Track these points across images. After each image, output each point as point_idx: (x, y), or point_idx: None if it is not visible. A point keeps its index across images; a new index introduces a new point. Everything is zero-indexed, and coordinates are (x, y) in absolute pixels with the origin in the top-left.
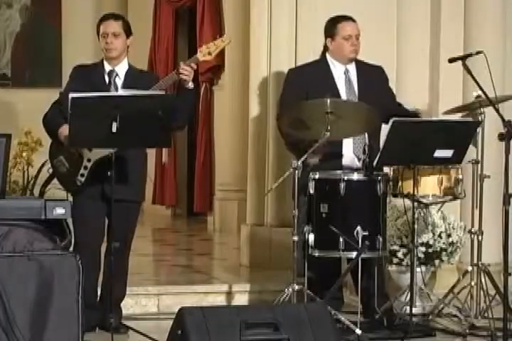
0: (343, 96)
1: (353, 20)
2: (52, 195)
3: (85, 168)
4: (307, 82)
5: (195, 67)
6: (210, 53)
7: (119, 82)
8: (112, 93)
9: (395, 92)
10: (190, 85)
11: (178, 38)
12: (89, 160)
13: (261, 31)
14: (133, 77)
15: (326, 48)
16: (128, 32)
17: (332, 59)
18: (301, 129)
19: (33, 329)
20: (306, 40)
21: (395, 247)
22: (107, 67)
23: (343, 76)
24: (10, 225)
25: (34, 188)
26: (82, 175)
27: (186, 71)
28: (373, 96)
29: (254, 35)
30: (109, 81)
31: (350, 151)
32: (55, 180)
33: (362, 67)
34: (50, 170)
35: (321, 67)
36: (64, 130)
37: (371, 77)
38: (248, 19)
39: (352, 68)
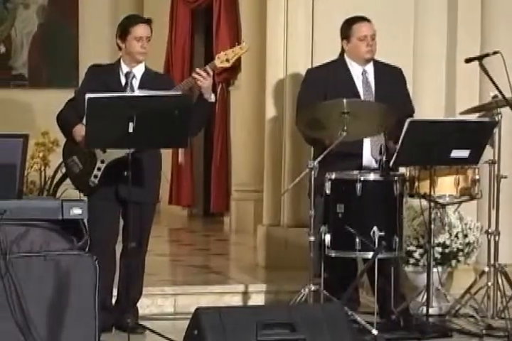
0: (362, 96)
1: (368, 21)
2: (69, 195)
3: (98, 169)
4: (326, 82)
5: (211, 72)
6: (228, 60)
7: (136, 83)
8: (129, 93)
9: (412, 93)
10: (212, 98)
11: (194, 38)
12: (102, 162)
13: (277, 31)
14: (149, 79)
15: (343, 50)
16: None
17: (350, 60)
18: (318, 129)
19: (49, 329)
20: (323, 40)
21: (412, 248)
22: (125, 69)
23: (361, 77)
24: (27, 225)
25: (51, 189)
26: (96, 177)
27: (201, 76)
28: (390, 97)
29: (271, 35)
30: (126, 82)
31: (368, 152)
32: (68, 181)
33: (380, 67)
34: (63, 170)
35: (339, 67)
36: (79, 129)
37: (389, 77)
38: (264, 19)
39: (370, 69)
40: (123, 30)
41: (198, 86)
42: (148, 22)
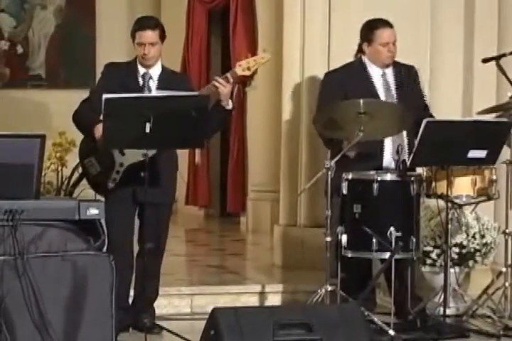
0: (382, 99)
1: (390, 26)
2: (86, 195)
3: (117, 172)
4: (345, 85)
5: (231, 80)
6: (249, 68)
7: (153, 84)
8: (145, 94)
9: (428, 93)
10: (229, 104)
11: (211, 39)
12: (121, 165)
13: (294, 31)
14: (167, 80)
15: (360, 50)
16: (163, 37)
17: (369, 62)
18: (335, 129)
19: (66, 329)
20: (339, 40)
21: (429, 248)
22: (141, 70)
23: (381, 79)
24: (44, 225)
25: (68, 189)
26: (114, 180)
27: (222, 83)
28: (410, 97)
29: (287, 35)
30: (143, 83)
31: (389, 153)
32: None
33: (398, 68)
34: (80, 170)
35: (358, 69)
36: (100, 127)
37: (407, 77)
38: (281, 19)
39: (389, 71)
40: (131, 34)
41: (217, 93)
42: (152, 27)
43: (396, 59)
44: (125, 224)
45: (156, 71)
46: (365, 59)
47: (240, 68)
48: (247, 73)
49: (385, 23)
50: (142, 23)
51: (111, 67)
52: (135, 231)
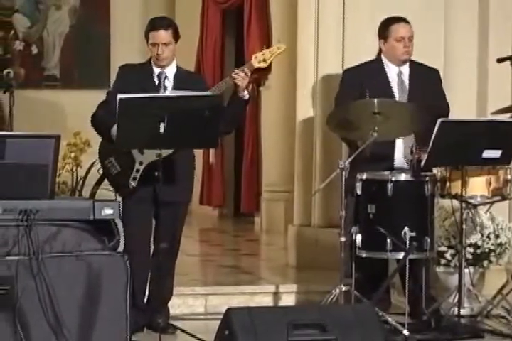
0: (397, 98)
1: (407, 22)
2: (102, 195)
3: (137, 171)
4: (362, 83)
5: (249, 73)
6: (265, 60)
7: (169, 84)
8: (159, 94)
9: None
10: (246, 95)
11: (225, 38)
12: (141, 163)
13: (308, 31)
14: (182, 79)
15: (380, 49)
16: (177, 37)
17: (386, 60)
18: (349, 130)
19: (81, 329)
20: (354, 40)
21: (443, 248)
22: (156, 70)
23: (396, 78)
24: (59, 225)
25: (83, 189)
26: (134, 179)
27: (240, 76)
28: (424, 98)
29: (302, 35)
30: (159, 83)
31: (400, 153)
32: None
33: (416, 68)
34: (101, 171)
35: (375, 68)
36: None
37: (424, 79)
38: (295, 19)
39: (405, 70)
40: (145, 34)
41: (235, 85)
42: (165, 27)
43: (415, 60)
44: (144, 225)
45: (171, 71)
46: (383, 57)
47: (256, 60)
48: (264, 65)
49: (400, 20)
50: (155, 24)
51: (125, 68)
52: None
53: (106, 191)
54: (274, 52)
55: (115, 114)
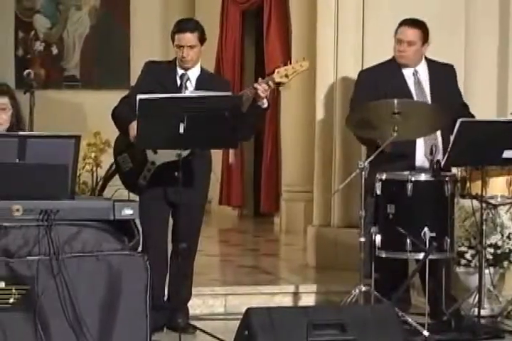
0: (415, 97)
1: (413, 26)
2: (120, 195)
3: (148, 170)
4: (378, 83)
5: (272, 85)
6: (287, 76)
7: (191, 85)
8: (179, 94)
9: (463, 93)
10: (265, 103)
11: (244, 39)
12: (153, 163)
13: (328, 31)
14: (204, 82)
15: None
16: (203, 39)
17: None
18: (369, 130)
19: (101, 328)
20: (373, 41)
21: (463, 248)
22: (180, 71)
23: (412, 77)
24: (79, 225)
25: (104, 189)
26: (145, 178)
27: (262, 87)
28: (445, 96)
29: (321, 36)
30: (181, 84)
31: (421, 153)
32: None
33: (433, 66)
34: (114, 167)
35: (391, 68)
36: (135, 125)
37: (442, 76)
38: (315, 19)
39: (422, 69)
40: (170, 35)
41: (256, 96)
42: (192, 30)
43: (432, 58)
44: (158, 222)
45: (194, 73)
46: None
47: (278, 75)
48: (285, 80)
49: (409, 22)
50: (181, 26)
51: (151, 65)
52: (169, 230)
53: (122, 190)
54: (297, 69)
55: (135, 107)
